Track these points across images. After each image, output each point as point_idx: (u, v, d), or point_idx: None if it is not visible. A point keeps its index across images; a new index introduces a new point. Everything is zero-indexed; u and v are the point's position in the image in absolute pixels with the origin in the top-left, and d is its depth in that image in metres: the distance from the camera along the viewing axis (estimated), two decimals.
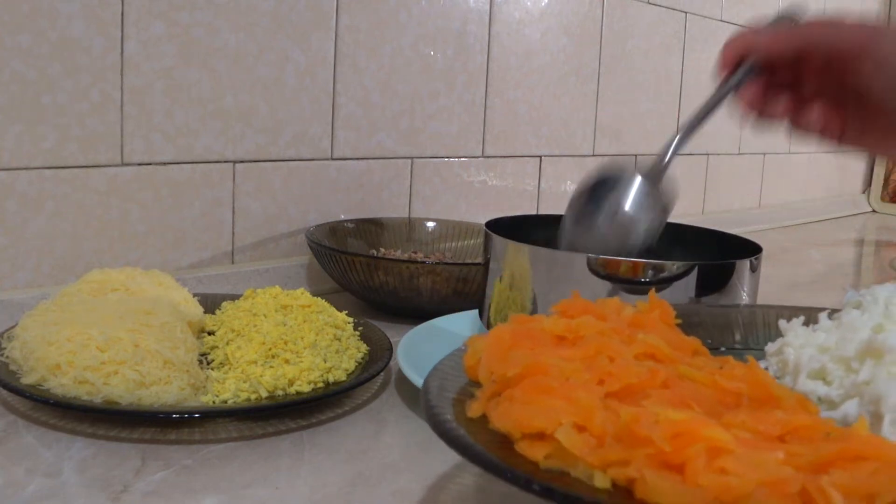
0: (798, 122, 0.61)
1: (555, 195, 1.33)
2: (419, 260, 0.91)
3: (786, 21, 0.62)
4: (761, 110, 0.61)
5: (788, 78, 0.60)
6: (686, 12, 1.51)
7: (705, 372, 0.42)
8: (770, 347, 0.52)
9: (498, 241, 0.69)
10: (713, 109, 0.62)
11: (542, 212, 1.30)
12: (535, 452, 0.37)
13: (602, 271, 0.62)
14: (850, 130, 0.60)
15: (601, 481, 0.35)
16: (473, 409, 0.41)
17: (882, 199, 2.17)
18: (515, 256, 0.67)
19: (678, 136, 0.64)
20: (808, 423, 0.37)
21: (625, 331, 0.45)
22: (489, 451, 0.37)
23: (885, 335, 0.44)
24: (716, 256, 0.81)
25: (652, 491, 0.33)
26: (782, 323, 0.52)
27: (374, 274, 0.82)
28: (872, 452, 0.33)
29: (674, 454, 0.34)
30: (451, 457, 0.55)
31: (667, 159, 0.65)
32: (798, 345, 0.50)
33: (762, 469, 0.33)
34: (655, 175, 0.66)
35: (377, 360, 0.66)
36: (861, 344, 0.45)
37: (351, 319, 0.72)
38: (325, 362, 0.62)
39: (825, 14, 0.60)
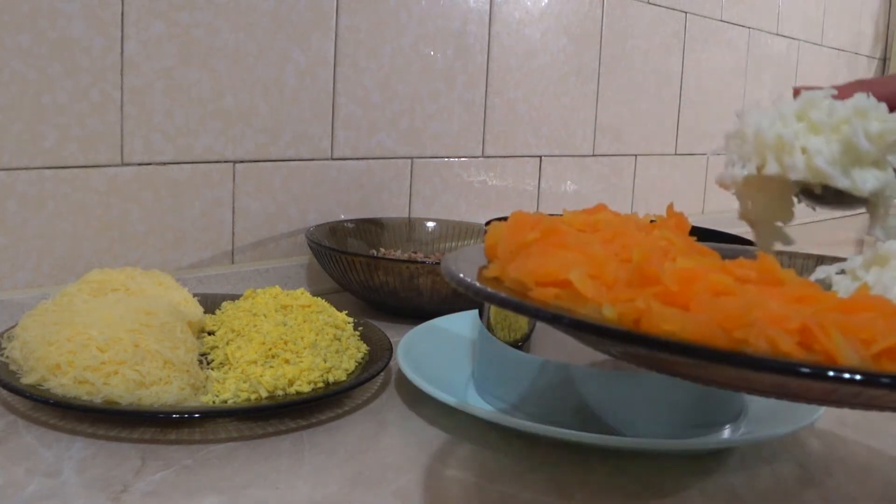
0: None
1: (555, 195, 1.33)
2: (419, 260, 0.91)
3: None
4: None
5: None
6: (686, 12, 1.51)
7: (716, 260, 0.43)
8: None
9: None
10: None
11: (542, 212, 1.30)
12: (546, 294, 0.38)
13: None
14: None
15: (609, 311, 0.35)
16: (490, 270, 0.42)
17: None
18: None
19: None
20: (813, 294, 0.37)
21: (643, 229, 0.46)
22: (500, 291, 0.38)
23: (891, 242, 0.45)
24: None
25: (657, 319, 0.34)
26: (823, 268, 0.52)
27: (374, 274, 0.82)
28: (872, 305, 0.34)
29: (680, 294, 0.35)
30: (452, 457, 0.55)
31: None
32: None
33: (765, 305, 0.33)
34: None
35: (377, 360, 0.66)
36: (868, 257, 0.46)
37: (351, 319, 0.72)
38: (325, 362, 0.62)
39: None
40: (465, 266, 0.44)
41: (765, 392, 0.36)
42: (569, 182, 1.35)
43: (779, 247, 0.54)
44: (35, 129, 0.76)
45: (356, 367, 0.65)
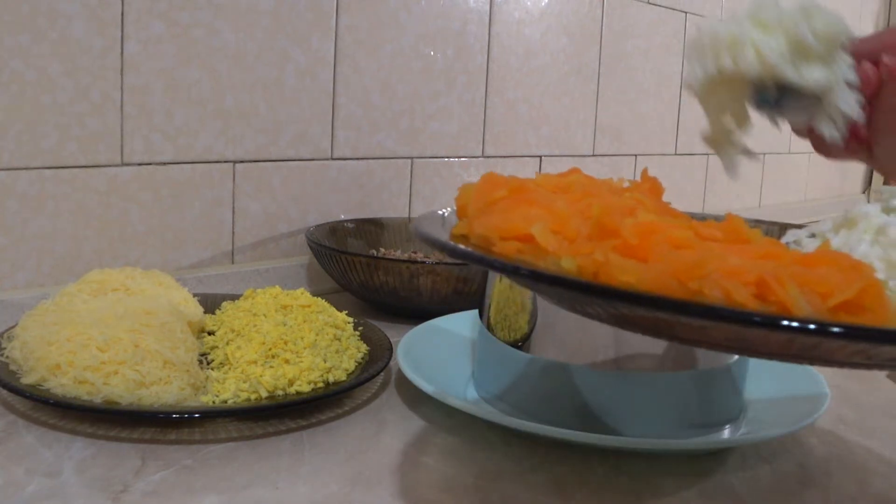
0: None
1: None
2: (419, 260, 0.91)
3: None
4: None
5: None
6: (686, 12, 1.51)
7: (684, 220, 0.43)
8: None
9: None
10: None
11: None
12: (509, 248, 0.38)
13: None
14: (877, 150, 0.55)
15: (567, 264, 0.36)
16: (457, 228, 0.42)
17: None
18: None
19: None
20: (776, 251, 0.37)
21: (615, 192, 0.47)
22: (463, 245, 0.39)
23: (861, 206, 0.45)
24: None
25: (615, 270, 0.34)
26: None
27: (374, 274, 0.82)
28: (830, 259, 0.34)
29: (639, 246, 0.35)
30: (451, 457, 0.55)
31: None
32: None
33: (721, 258, 0.34)
34: None
35: (377, 360, 0.66)
36: (838, 219, 0.46)
37: (351, 319, 0.72)
38: (325, 362, 0.62)
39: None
40: (434, 225, 0.44)
41: (724, 346, 0.36)
42: None
43: (744, 165, 0.55)
44: (35, 129, 0.76)
45: (356, 367, 0.65)
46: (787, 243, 0.48)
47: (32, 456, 0.52)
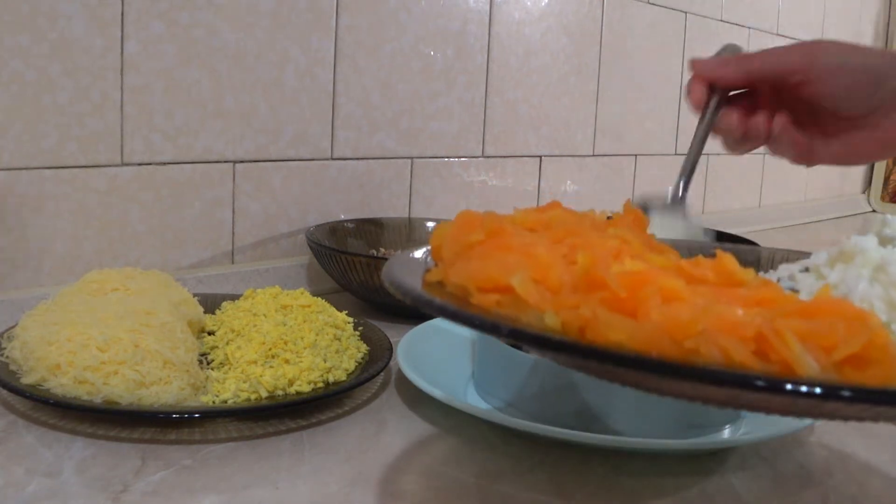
0: (771, 146, 0.64)
1: (555, 195, 1.33)
2: None
3: (729, 51, 0.64)
4: (743, 134, 0.63)
5: (746, 105, 0.63)
6: (686, 12, 1.51)
7: (672, 260, 0.40)
8: None
9: None
10: (702, 146, 0.64)
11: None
12: (488, 300, 0.36)
13: None
14: (818, 147, 0.62)
15: (551, 320, 0.33)
16: (432, 275, 0.40)
17: (882, 199, 2.17)
18: None
19: (682, 179, 0.65)
20: (773, 295, 0.35)
21: (598, 227, 0.44)
22: (439, 298, 0.36)
23: (857, 238, 0.44)
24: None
25: (603, 327, 0.32)
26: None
27: (374, 274, 0.82)
28: (833, 309, 0.31)
29: (628, 300, 0.33)
30: (452, 457, 0.55)
31: (680, 196, 0.65)
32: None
33: (717, 312, 0.31)
34: (674, 210, 0.66)
35: (377, 360, 0.66)
36: (833, 253, 0.45)
37: (351, 319, 0.72)
38: (325, 362, 0.62)
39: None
40: (408, 269, 0.41)
41: (721, 403, 0.33)
42: (569, 182, 1.35)
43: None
44: (35, 129, 0.76)
45: (356, 367, 0.65)
46: (780, 279, 0.47)
47: (32, 456, 0.52)
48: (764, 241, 0.84)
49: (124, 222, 0.83)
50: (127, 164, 0.82)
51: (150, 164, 0.84)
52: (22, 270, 0.77)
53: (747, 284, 0.37)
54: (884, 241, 0.48)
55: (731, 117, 0.62)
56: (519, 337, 0.33)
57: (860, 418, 0.32)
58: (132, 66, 0.81)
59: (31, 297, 0.74)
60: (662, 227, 0.64)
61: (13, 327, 0.63)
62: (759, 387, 0.29)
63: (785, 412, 0.33)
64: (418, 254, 0.45)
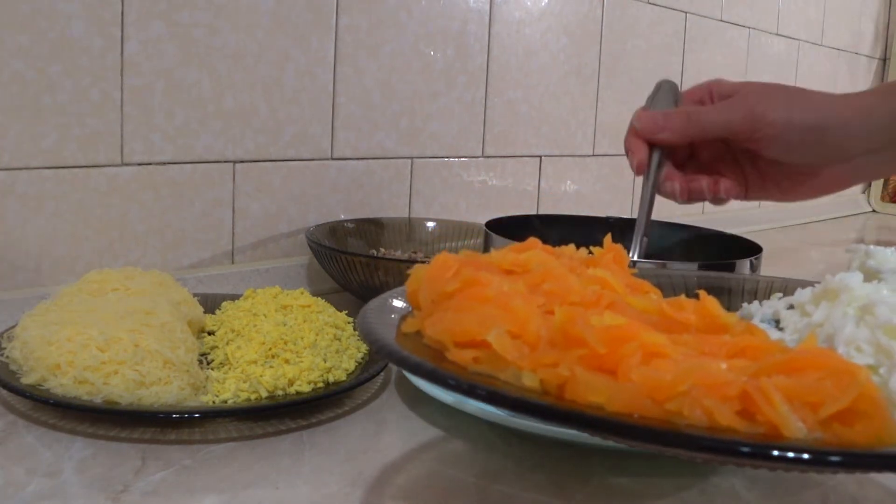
0: (713, 194, 0.65)
1: (555, 195, 1.33)
2: (419, 260, 0.91)
3: (665, 91, 0.65)
4: (687, 198, 0.65)
5: (685, 155, 0.66)
6: (686, 12, 1.51)
7: (654, 302, 0.40)
8: None
9: (498, 241, 0.70)
10: (650, 206, 0.65)
11: (542, 212, 1.30)
12: (464, 357, 0.35)
13: None
14: (753, 186, 0.65)
15: (529, 380, 0.33)
16: (408, 325, 0.39)
17: (882, 199, 2.17)
18: None
19: (638, 241, 0.65)
20: (756, 344, 0.34)
21: (577, 268, 0.43)
22: (414, 355, 0.35)
23: (841, 275, 0.43)
24: (716, 256, 0.81)
25: (582, 388, 0.31)
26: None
27: (374, 274, 0.82)
28: (819, 363, 0.31)
29: (608, 357, 0.32)
30: (452, 457, 0.55)
31: (636, 257, 0.65)
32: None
33: (700, 371, 0.31)
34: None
35: (377, 360, 0.66)
36: (818, 290, 0.44)
37: (351, 319, 0.72)
38: (325, 362, 0.62)
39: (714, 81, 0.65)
40: (385, 317, 0.41)
41: (707, 461, 0.33)
42: (569, 182, 1.35)
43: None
44: (35, 129, 0.76)
45: (356, 367, 0.65)
46: (765, 316, 0.47)
47: (32, 456, 0.52)
48: (764, 242, 0.84)
49: (124, 222, 0.83)
50: (127, 164, 0.82)
51: (150, 164, 0.84)
52: (22, 270, 0.77)
53: (731, 329, 0.37)
54: (869, 276, 0.47)
55: (674, 185, 0.64)
56: (497, 401, 0.32)
57: (848, 472, 0.31)
58: (132, 66, 0.81)
59: (31, 297, 0.74)
60: None
61: (13, 327, 0.63)
62: (745, 453, 0.28)
63: (772, 468, 0.33)
64: (395, 300, 0.44)
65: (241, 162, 0.91)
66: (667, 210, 1.55)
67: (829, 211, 2.01)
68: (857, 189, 2.20)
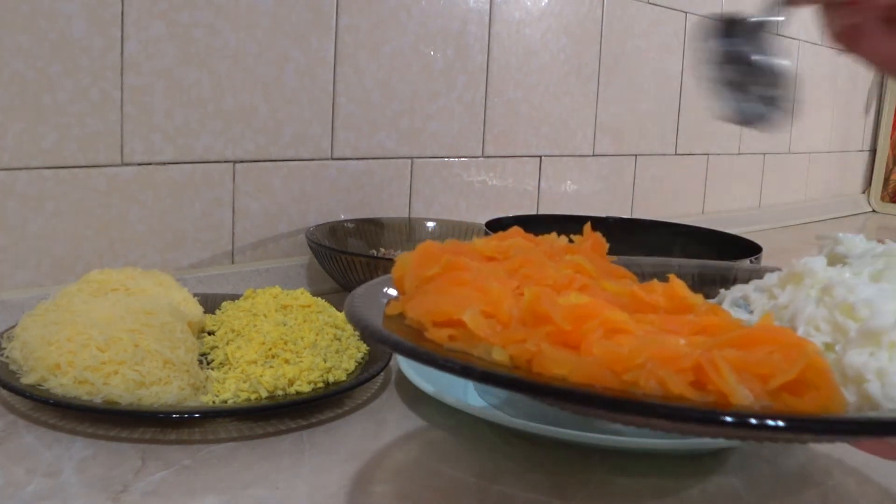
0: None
1: (555, 195, 1.33)
2: None
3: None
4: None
5: None
6: (686, 12, 1.51)
7: (626, 286, 0.42)
8: None
9: None
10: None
11: (542, 212, 1.30)
12: (441, 335, 0.37)
13: None
14: None
15: (499, 355, 0.35)
16: (392, 307, 0.41)
17: (882, 199, 2.17)
18: None
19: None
20: (717, 322, 0.36)
21: (556, 255, 0.45)
22: (395, 334, 0.37)
23: (806, 260, 0.44)
24: (716, 256, 0.81)
25: (548, 361, 0.33)
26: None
27: (374, 274, 0.82)
28: (771, 338, 0.33)
29: (572, 333, 0.34)
30: (452, 457, 0.55)
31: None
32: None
33: (656, 345, 0.33)
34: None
35: (377, 360, 0.66)
36: (784, 274, 0.45)
37: None
38: (325, 362, 0.62)
39: None
40: (372, 301, 0.43)
41: (666, 430, 0.35)
42: (569, 182, 1.35)
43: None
44: (35, 129, 0.76)
45: (356, 367, 0.65)
46: (735, 299, 0.48)
47: (32, 456, 0.52)
48: (764, 241, 0.84)
49: (124, 222, 0.83)
50: (127, 164, 0.82)
51: (150, 164, 0.84)
52: (22, 270, 0.77)
53: (696, 310, 0.39)
54: (833, 261, 0.48)
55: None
56: (468, 373, 0.34)
57: (800, 441, 0.33)
58: (132, 66, 0.81)
59: (31, 297, 0.74)
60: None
61: (13, 327, 0.63)
62: (694, 418, 0.30)
63: (728, 437, 0.34)
64: (383, 287, 0.46)
65: (241, 162, 0.91)
66: (666, 210, 1.55)
67: (829, 211, 2.01)
68: (857, 189, 2.20)
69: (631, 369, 0.32)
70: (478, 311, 0.37)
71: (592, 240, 0.49)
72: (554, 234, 0.49)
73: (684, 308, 0.39)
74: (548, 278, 0.40)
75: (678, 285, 0.40)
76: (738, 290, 0.48)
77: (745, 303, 0.47)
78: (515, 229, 0.48)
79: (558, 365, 0.33)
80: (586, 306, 0.35)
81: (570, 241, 0.49)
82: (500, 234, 0.48)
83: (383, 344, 0.37)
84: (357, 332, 0.71)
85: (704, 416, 0.30)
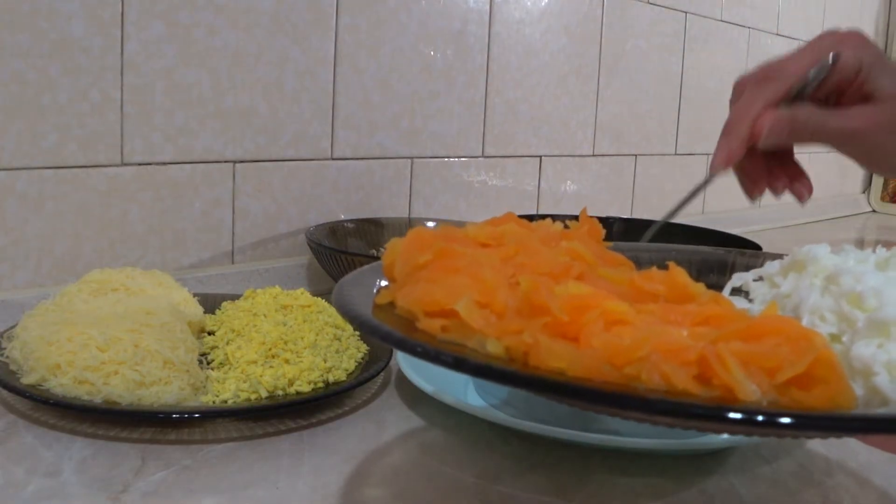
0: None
1: (555, 195, 1.33)
2: None
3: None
4: (763, 186, 0.59)
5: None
6: (686, 12, 1.51)
7: (624, 274, 0.40)
8: None
9: None
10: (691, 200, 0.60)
11: (542, 212, 1.30)
12: (433, 325, 0.36)
13: None
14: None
15: (494, 347, 0.34)
16: (382, 296, 0.39)
17: (882, 199, 2.17)
18: None
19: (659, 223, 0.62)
20: (720, 312, 0.35)
21: (551, 241, 0.44)
22: (385, 324, 0.36)
23: (809, 247, 0.43)
24: None
25: (545, 354, 0.32)
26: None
27: None
28: (778, 329, 0.31)
29: (571, 324, 0.33)
30: (452, 457, 0.55)
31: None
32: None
33: (659, 337, 0.31)
34: None
35: (377, 360, 0.66)
36: (786, 262, 0.44)
37: None
38: (325, 362, 0.62)
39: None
40: (361, 289, 0.41)
41: (668, 425, 0.33)
42: (569, 182, 1.35)
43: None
44: (35, 129, 0.76)
45: (356, 367, 0.65)
46: (734, 288, 0.47)
47: (32, 456, 0.52)
48: (764, 242, 0.84)
49: (124, 222, 0.83)
50: (127, 164, 0.82)
51: (150, 164, 0.84)
52: (22, 270, 0.77)
53: (697, 299, 0.37)
54: (836, 250, 0.47)
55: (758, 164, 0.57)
56: (462, 367, 0.32)
57: (808, 437, 0.32)
58: (132, 66, 0.81)
59: (31, 297, 0.74)
60: None
61: (13, 327, 0.63)
62: (698, 415, 0.29)
63: (732, 432, 0.33)
64: (373, 272, 0.44)
65: (241, 162, 0.91)
66: (666, 210, 1.55)
67: (828, 211, 2.01)
68: (857, 189, 2.20)
69: (632, 362, 0.31)
70: (472, 301, 0.35)
71: (588, 225, 0.47)
72: (549, 220, 0.47)
73: (685, 297, 0.37)
74: (544, 266, 0.38)
75: (678, 273, 0.38)
76: (736, 280, 0.47)
77: (745, 292, 0.46)
78: (509, 214, 0.46)
79: (556, 358, 0.32)
80: (585, 296, 0.34)
81: (566, 226, 0.47)
82: (494, 219, 0.46)
83: (372, 335, 0.35)
84: (357, 332, 0.71)
85: (711, 413, 0.28)
